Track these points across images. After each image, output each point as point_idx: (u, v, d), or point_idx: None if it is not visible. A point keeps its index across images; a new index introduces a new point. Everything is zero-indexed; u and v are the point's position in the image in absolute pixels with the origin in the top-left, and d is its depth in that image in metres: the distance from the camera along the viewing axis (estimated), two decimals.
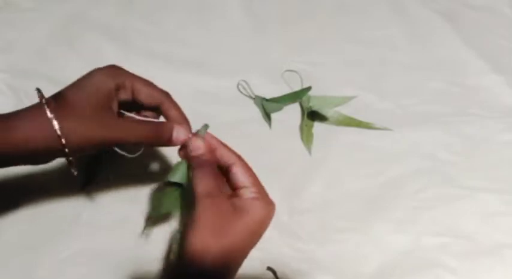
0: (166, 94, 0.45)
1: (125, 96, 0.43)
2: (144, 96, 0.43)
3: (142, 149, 0.46)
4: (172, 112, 0.44)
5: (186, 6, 0.75)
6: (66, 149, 0.38)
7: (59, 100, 0.39)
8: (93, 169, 0.56)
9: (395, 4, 0.77)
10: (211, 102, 0.64)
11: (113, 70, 0.43)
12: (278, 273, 0.50)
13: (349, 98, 0.65)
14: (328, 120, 0.63)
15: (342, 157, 0.60)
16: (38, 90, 0.40)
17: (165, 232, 0.53)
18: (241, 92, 0.66)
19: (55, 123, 0.38)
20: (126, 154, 0.43)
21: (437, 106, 0.65)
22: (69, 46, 0.69)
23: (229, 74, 0.67)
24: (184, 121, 0.45)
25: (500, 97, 0.66)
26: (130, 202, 0.55)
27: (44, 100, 0.39)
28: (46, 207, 0.55)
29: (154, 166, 0.58)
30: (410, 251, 0.53)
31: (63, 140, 0.38)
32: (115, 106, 0.42)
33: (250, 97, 0.65)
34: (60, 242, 0.52)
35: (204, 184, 0.41)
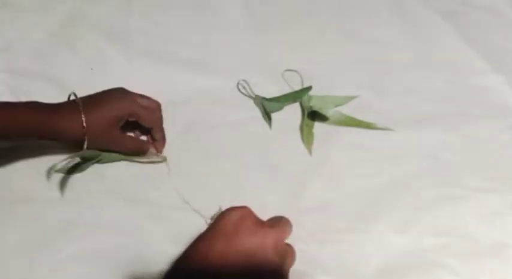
0: (157, 123, 0.59)
1: (132, 119, 0.57)
2: (145, 123, 0.58)
3: None
4: (157, 136, 0.60)
5: (186, 6, 0.75)
6: (85, 144, 0.54)
7: (87, 111, 0.53)
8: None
9: (395, 4, 0.76)
10: (211, 102, 0.64)
11: (131, 100, 0.57)
12: None
13: (350, 98, 0.65)
14: (328, 120, 0.63)
15: (342, 157, 0.60)
16: (74, 95, 0.54)
17: (165, 232, 0.53)
18: (241, 92, 0.66)
19: (84, 127, 0.53)
20: None
21: (437, 105, 0.65)
22: (69, 46, 0.69)
23: (229, 74, 0.67)
24: (162, 140, 0.60)
25: (500, 97, 0.66)
26: (130, 202, 0.55)
27: (81, 108, 0.53)
28: (46, 207, 0.54)
29: (155, 167, 0.58)
30: (410, 252, 0.52)
31: (85, 137, 0.53)
32: (121, 123, 0.56)
33: (250, 97, 0.65)
34: (60, 242, 0.52)
35: None
